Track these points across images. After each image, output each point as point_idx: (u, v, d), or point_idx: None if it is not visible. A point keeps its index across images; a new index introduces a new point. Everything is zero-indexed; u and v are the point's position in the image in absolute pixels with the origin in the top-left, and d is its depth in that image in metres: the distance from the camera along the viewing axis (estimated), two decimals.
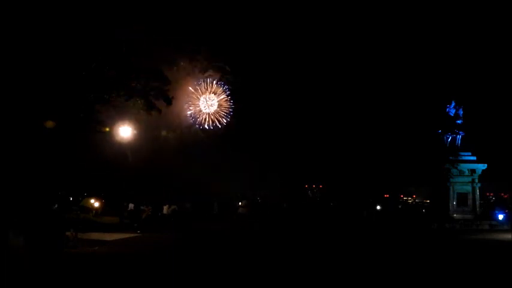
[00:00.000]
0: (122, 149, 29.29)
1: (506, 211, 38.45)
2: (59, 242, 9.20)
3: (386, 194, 44.88)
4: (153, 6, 26.10)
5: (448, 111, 38.23)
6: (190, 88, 33.05)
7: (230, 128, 35.02)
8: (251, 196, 46.12)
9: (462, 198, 37.14)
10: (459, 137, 38.20)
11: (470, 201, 36.99)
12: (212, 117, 34.29)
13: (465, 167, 37.22)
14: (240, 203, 44.13)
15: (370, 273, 14.14)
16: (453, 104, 38.20)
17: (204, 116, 33.93)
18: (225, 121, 34.46)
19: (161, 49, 27.38)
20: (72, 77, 24.84)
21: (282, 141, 40.03)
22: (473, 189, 37.26)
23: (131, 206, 32.89)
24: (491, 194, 63.75)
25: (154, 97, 27.93)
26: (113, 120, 27.69)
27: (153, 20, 25.76)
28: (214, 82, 33.66)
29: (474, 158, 37.62)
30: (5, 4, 19.62)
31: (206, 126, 33.83)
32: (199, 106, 33.89)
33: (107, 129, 27.56)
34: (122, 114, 28.13)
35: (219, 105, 34.34)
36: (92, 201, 35.96)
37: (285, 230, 29.23)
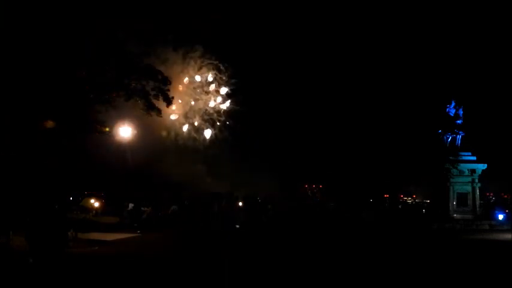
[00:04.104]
0: (121, 148, 29.31)
1: (506, 211, 38.44)
2: (60, 242, 9.20)
3: (386, 194, 44.85)
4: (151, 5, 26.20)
5: (448, 111, 38.22)
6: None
7: (228, 127, 35.07)
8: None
9: (462, 198, 37.11)
10: (459, 137, 38.18)
11: (470, 201, 36.96)
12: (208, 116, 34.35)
13: (465, 167, 37.20)
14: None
15: (370, 274, 14.13)
16: (453, 104, 38.19)
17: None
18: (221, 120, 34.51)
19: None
20: (72, 77, 24.84)
21: (282, 140, 40.05)
22: (473, 189, 37.24)
23: (131, 206, 32.86)
24: (491, 194, 63.65)
25: (154, 97, 27.96)
26: (112, 120, 27.68)
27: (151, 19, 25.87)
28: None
29: (474, 158, 37.60)
30: (6, 5, 19.64)
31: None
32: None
33: (107, 129, 27.58)
34: (121, 114, 28.15)
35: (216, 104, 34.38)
36: (92, 201, 35.91)
37: (274, 231, 28.76)
